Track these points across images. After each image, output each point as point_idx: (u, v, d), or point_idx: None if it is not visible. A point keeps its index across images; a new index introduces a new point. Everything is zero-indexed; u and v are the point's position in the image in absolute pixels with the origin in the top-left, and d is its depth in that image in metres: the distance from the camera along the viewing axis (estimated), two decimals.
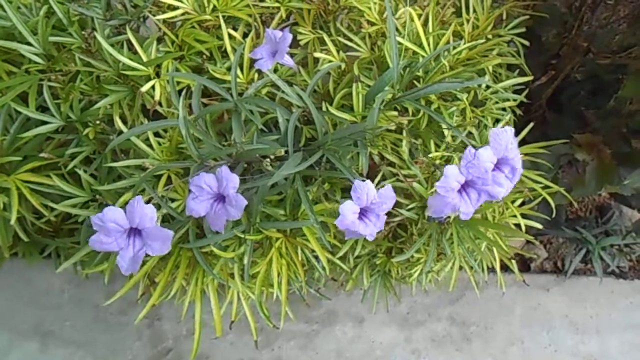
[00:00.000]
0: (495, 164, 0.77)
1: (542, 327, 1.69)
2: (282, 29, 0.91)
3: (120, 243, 0.71)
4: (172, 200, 0.93)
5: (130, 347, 1.59)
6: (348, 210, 0.73)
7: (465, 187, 0.77)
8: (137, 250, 0.72)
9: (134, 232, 0.71)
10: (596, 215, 1.89)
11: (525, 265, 1.83)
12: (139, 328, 1.60)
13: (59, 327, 1.60)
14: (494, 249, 1.13)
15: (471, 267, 1.13)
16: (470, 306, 1.70)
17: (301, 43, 1.10)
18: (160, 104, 0.96)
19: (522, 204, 1.16)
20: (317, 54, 1.05)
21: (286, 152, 0.85)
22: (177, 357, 1.58)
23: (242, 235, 0.90)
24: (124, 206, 0.92)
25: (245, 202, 0.73)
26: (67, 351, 1.57)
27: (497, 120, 1.09)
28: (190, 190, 0.76)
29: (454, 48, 1.06)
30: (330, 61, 1.03)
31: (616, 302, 1.75)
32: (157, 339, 1.60)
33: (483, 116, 1.09)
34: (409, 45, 1.03)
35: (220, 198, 0.76)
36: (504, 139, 0.76)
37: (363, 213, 0.76)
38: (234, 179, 0.73)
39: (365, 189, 0.74)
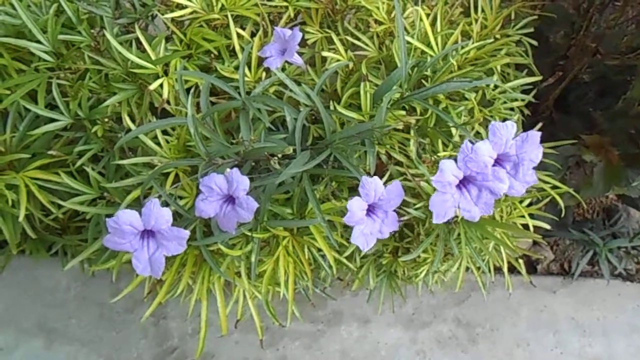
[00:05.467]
0: (497, 159, 0.74)
1: (549, 329, 1.68)
2: (291, 28, 0.91)
3: (134, 244, 0.71)
4: (180, 198, 0.93)
5: (136, 345, 1.59)
6: (356, 206, 0.73)
7: (464, 183, 0.74)
8: (153, 252, 0.72)
9: (147, 233, 0.71)
10: (603, 217, 1.88)
11: (531, 267, 1.82)
12: (144, 326, 1.61)
13: (64, 324, 1.60)
14: (502, 250, 1.13)
15: (478, 268, 1.12)
16: (476, 307, 1.69)
17: (309, 42, 1.10)
18: (168, 102, 0.97)
19: (530, 204, 1.16)
20: (325, 53, 1.05)
21: (294, 150, 0.85)
22: (183, 356, 1.58)
23: (250, 234, 0.90)
24: (131, 204, 0.93)
25: (257, 205, 0.73)
26: (72, 349, 1.57)
27: (504, 120, 1.08)
28: (199, 191, 0.76)
29: (462, 47, 1.06)
30: (338, 60, 1.03)
31: (623, 304, 1.74)
32: (163, 338, 1.60)
33: (491, 116, 1.09)
34: (418, 44, 1.02)
35: (230, 199, 0.76)
36: (504, 133, 0.72)
37: (371, 209, 0.76)
38: (245, 181, 0.72)
39: (373, 185, 0.73)
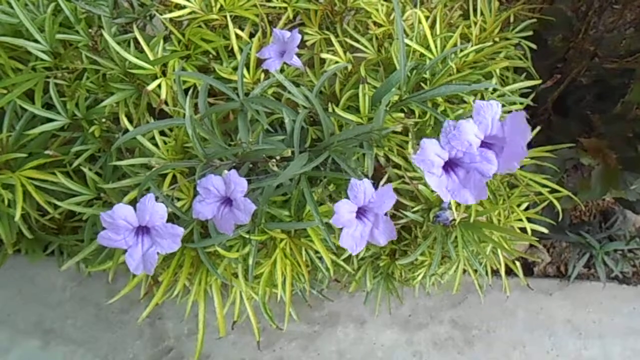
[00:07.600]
0: (485, 142, 0.70)
1: (545, 332, 1.69)
2: (290, 29, 0.91)
3: (128, 241, 0.71)
4: (178, 199, 0.92)
5: (131, 345, 1.59)
6: (343, 208, 0.72)
7: (451, 166, 0.71)
8: (147, 249, 0.71)
9: (142, 230, 0.71)
10: (600, 220, 1.88)
11: (528, 269, 1.82)
12: (140, 327, 1.60)
13: (61, 325, 1.60)
14: (499, 252, 1.13)
15: (475, 271, 1.12)
16: (472, 309, 1.69)
17: (308, 44, 1.10)
18: (166, 102, 0.96)
19: (527, 208, 1.16)
20: (323, 55, 1.05)
21: (292, 152, 0.85)
22: (178, 356, 1.57)
23: (247, 236, 0.90)
24: (130, 204, 0.92)
25: (254, 207, 0.72)
26: (68, 349, 1.57)
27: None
28: (197, 192, 0.75)
29: (462, 50, 1.06)
30: (336, 62, 1.03)
31: (619, 307, 1.74)
32: (158, 338, 1.60)
33: None
34: (417, 47, 1.02)
35: (228, 201, 0.75)
36: (488, 112, 0.69)
37: (361, 212, 0.75)
38: (242, 183, 0.72)
39: (362, 188, 0.72)
